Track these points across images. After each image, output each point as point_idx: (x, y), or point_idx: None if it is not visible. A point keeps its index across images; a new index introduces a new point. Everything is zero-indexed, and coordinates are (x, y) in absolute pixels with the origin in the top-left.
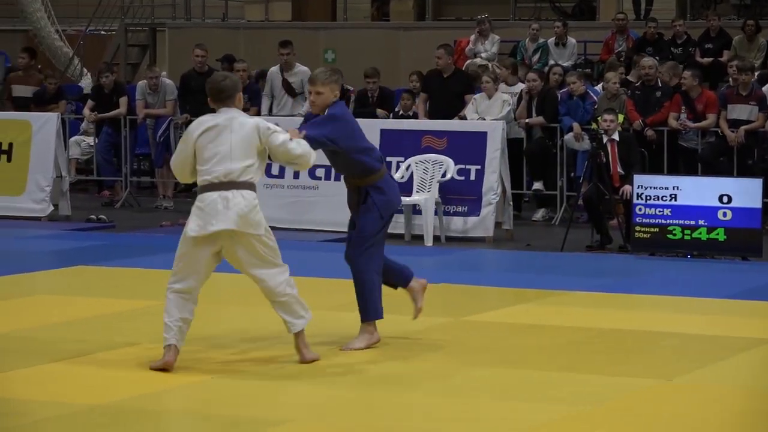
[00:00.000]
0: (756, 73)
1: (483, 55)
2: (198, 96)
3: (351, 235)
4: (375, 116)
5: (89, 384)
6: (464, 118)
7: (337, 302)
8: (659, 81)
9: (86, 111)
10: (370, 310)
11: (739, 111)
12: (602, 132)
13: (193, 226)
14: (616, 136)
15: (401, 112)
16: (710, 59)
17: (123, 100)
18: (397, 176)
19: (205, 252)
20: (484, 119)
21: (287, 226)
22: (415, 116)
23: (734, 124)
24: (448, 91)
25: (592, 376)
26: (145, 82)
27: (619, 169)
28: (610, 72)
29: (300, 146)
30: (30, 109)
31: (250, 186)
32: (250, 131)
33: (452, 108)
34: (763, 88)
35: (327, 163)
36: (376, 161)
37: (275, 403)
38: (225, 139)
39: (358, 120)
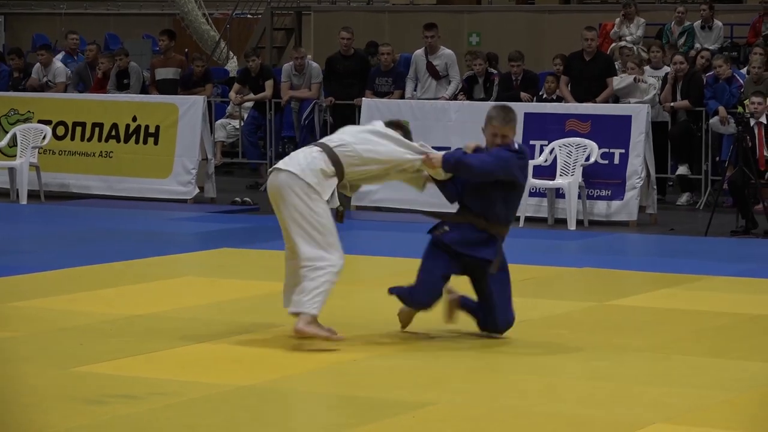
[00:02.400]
0: None
1: (628, 38)
2: (343, 79)
3: (494, 302)
4: (519, 100)
5: (235, 365)
6: (607, 101)
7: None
8: None
9: (232, 94)
10: None
11: None
12: (749, 115)
13: None
14: (763, 120)
15: (545, 95)
16: None
17: (269, 84)
18: (540, 160)
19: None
20: (629, 102)
21: None
22: (559, 100)
23: None
24: (589, 74)
25: (738, 361)
26: (291, 63)
27: (766, 153)
28: (754, 55)
29: None
30: (173, 91)
31: (333, 158)
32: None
33: (593, 91)
34: None
35: None
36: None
37: (419, 385)
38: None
39: (501, 103)
